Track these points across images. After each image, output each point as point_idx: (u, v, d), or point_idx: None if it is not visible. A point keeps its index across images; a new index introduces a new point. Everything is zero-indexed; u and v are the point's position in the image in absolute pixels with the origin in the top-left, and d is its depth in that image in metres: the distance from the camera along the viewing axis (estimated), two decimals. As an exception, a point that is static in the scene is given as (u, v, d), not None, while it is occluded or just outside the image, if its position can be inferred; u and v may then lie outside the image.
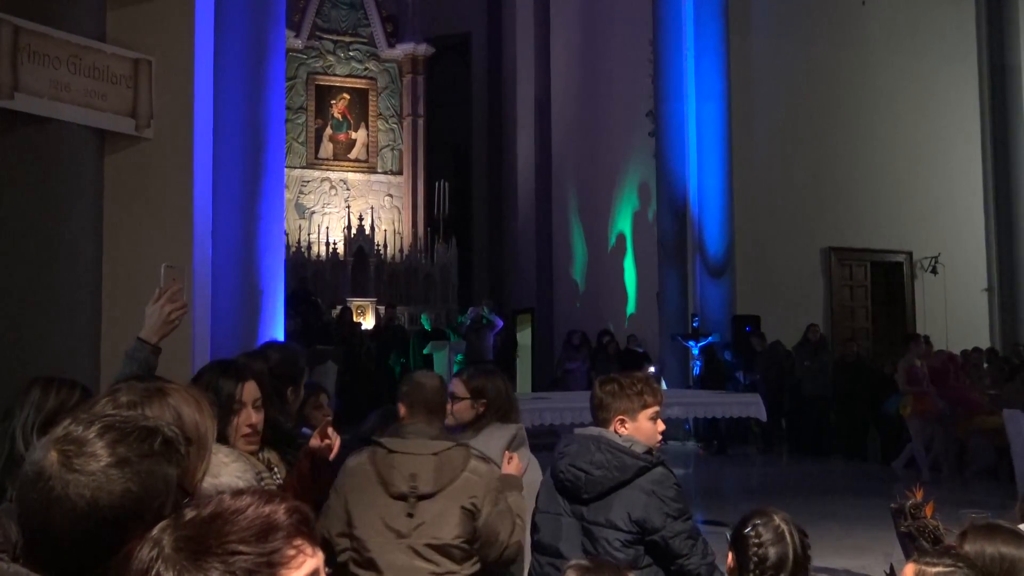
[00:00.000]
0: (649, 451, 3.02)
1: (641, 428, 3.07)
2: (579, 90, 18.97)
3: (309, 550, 1.11)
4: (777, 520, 2.28)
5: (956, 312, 16.07)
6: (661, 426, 3.13)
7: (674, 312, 14.54)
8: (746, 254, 14.72)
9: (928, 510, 5.04)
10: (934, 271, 16.38)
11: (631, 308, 16.78)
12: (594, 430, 3.11)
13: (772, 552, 2.26)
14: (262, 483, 2.31)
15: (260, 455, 2.70)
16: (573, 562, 1.96)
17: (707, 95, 14.58)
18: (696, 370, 13.73)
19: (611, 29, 17.73)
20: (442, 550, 2.87)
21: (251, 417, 2.59)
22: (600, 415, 3.11)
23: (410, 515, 2.86)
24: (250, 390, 2.60)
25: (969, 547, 2.30)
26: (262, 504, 1.11)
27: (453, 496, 2.88)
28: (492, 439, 3.33)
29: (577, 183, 18.87)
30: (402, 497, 2.87)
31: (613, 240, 17.65)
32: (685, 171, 14.65)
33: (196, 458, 1.57)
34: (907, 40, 16.46)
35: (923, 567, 2.10)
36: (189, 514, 1.11)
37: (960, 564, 2.11)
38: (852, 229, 15.99)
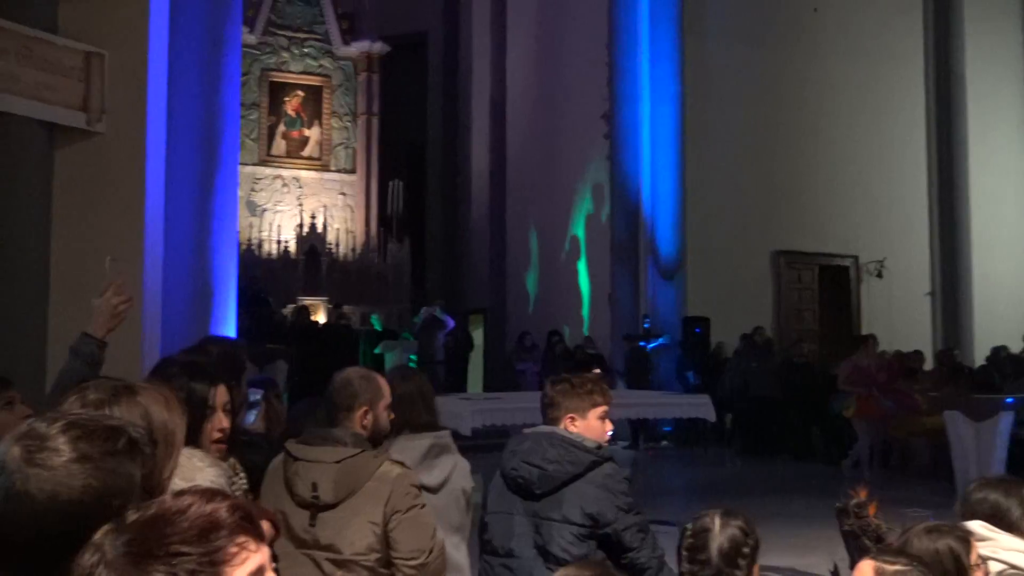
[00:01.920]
0: (599, 446, 3.07)
1: (590, 427, 3.11)
2: (535, 91, 19.03)
3: (253, 546, 1.11)
4: (712, 515, 2.31)
5: (900, 315, 16.42)
6: (609, 426, 3.17)
7: (626, 313, 14.66)
8: (698, 256, 14.90)
9: (871, 509, 5.14)
10: (879, 275, 16.72)
11: (585, 309, 16.88)
12: (545, 428, 3.14)
13: (695, 542, 2.27)
14: (233, 488, 2.29)
15: (228, 461, 2.67)
16: (560, 572, 1.96)
17: (661, 98, 14.72)
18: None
19: (567, 31, 17.82)
20: (344, 565, 2.67)
21: (222, 422, 2.55)
22: (551, 413, 3.15)
23: (312, 525, 2.68)
24: (222, 394, 2.57)
25: (917, 545, 2.37)
26: (204, 503, 1.11)
27: (356, 507, 2.66)
28: (403, 455, 3.03)
29: (532, 184, 18.93)
30: (305, 506, 2.69)
31: (567, 241, 17.74)
32: (639, 173, 14.79)
33: (163, 459, 1.56)
34: (857, 47, 16.77)
35: (882, 565, 2.14)
36: (131, 517, 1.11)
37: (915, 563, 2.17)
38: (801, 233, 16.26)
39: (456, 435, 7.95)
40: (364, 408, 2.83)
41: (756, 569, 2.26)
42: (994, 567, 2.62)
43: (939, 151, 17.58)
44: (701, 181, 15.07)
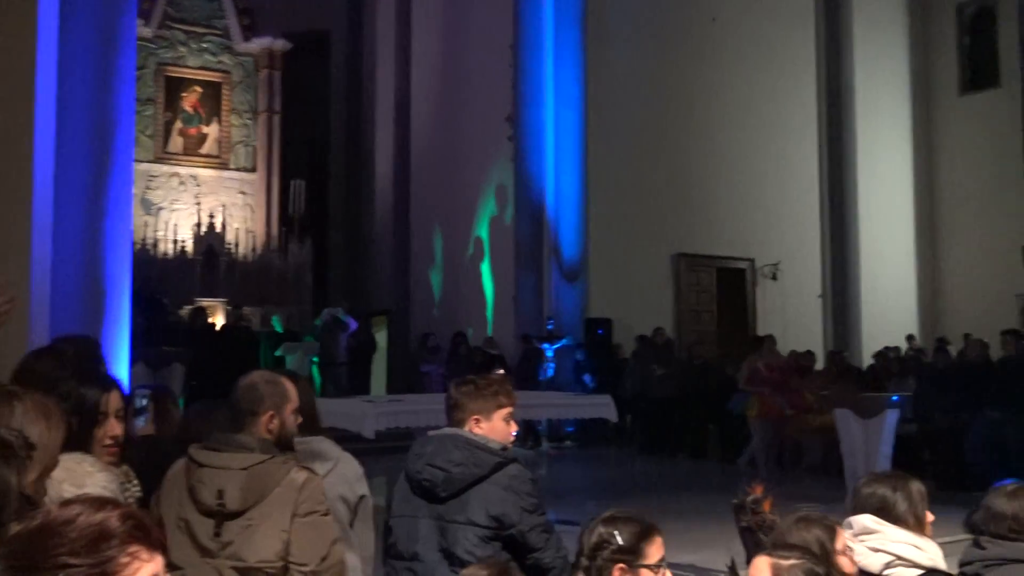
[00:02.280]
0: (504, 448, 3.08)
1: (496, 428, 3.12)
2: (440, 92, 18.99)
3: (145, 555, 1.09)
4: (600, 516, 2.38)
5: (792, 316, 16.97)
6: (514, 427, 3.19)
7: (529, 314, 14.75)
8: (600, 259, 15.10)
9: (767, 505, 5.29)
10: (774, 277, 17.26)
11: (489, 311, 16.92)
12: (450, 430, 3.14)
13: (582, 542, 2.37)
14: (126, 495, 2.23)
15: (121, 467, 2.59)
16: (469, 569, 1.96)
17: (565, 102, 14.88)
18: (550, 372, 13.97)
19: (472, 32, 17.84)
20: (248, 572, 2.60)
21: (115, 428, 2.47)
22: (456, 415, 3.14)
23: (217, 534, 2.61)
24: (115, 400, 2.48)
25: (795, 536, 2.46)
26: (93, 512, 1.08)
27: (263, 514, 2.61)
28: None
29: (436, 184, 18.87)
30: (210, 514, 2.62)
31: (471, 242, 17.75)
32: (542, 176, 14.91)
33: (39, 464, 1.51)
34: (753, 57, 17.28)
35: (778, 560, 2.21)
36: (15, 528, 1.07)
37: (807, 556, 2.26)
38: (700, 236, 16.66)
39: (359, 438, 7.88)
40: (270, 413, 2.77)
41: (617, 570, 2.29)
42: (882, 559, 2.74)
43: (830, 160, 18.24)
44: (603, 184, 15.29)
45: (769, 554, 2.25)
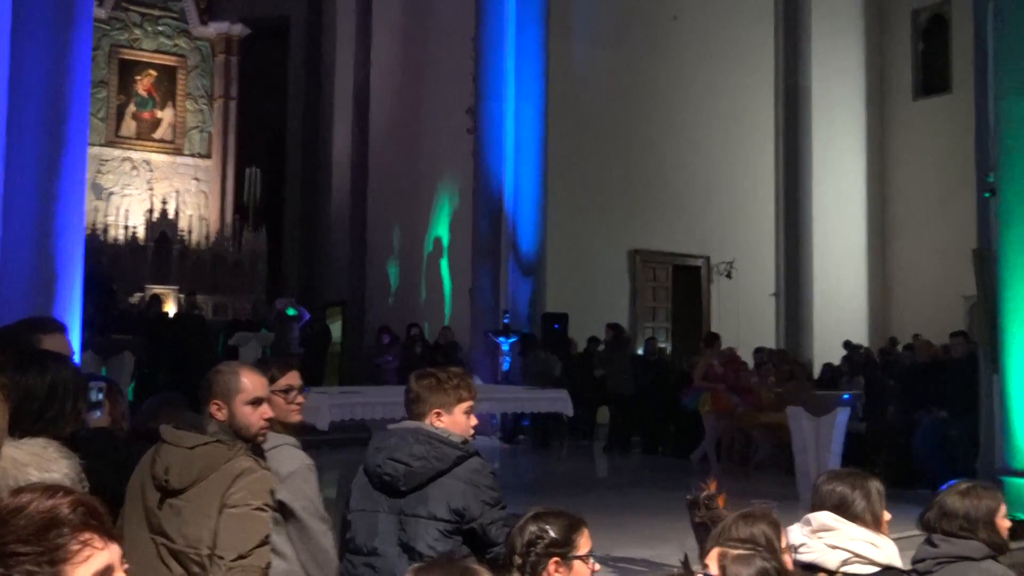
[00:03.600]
0: (465, 441, 3.06)
1: (456, 422, 3.10)
2: (400, 82, 18.87)
3: (99, 543, 1.07)
4: (528, 514, 2.42)
5: (746, 314, 17.15)
6: (474, 420, 3.18)
7: (486, 308, 14.73)
8: (557, 253, 15.13)
9: (721, 501, 5.34)
10: (729, 275, 17.44)
11: (447, 304, 16.88)
12: (411, 423, 3.11)
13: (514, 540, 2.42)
14: (83, 483, 2.18)
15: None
16: (415, 566, 1.94)
17: (526, 96, 14.86)
18: (506, 366, 13.97)
19: (435, 23, 17.75)
20: (176, 555, 2.58)
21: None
22: (416, 408, 3.12)
23: (160, 508, 2.63)
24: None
25: (736, 531, 2.49)
26: (44, 500, 1.06)
27: (195, 497, 2.59)
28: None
29: (395, 174, 18.76)
30: (158, 489, 2.64)
31: (429, 234, 17.68)
32: (502, 170, 14.88)
33: None
34: (713, 57, 17.41)
35: (726, 549, 2.25)
36: None
37: (758, 548, 2.28)
38: (657, 233, 16.77)
39: (313, 430, 7.78)
40: (216, 403, 2.75)
41: (553, 564, 2.32)
42: (839, 555, 2.77)
43: (786, 160, 18.46)
44: (562, 179, 15.31)
45: (721, 545, 2.29)
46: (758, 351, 13.11)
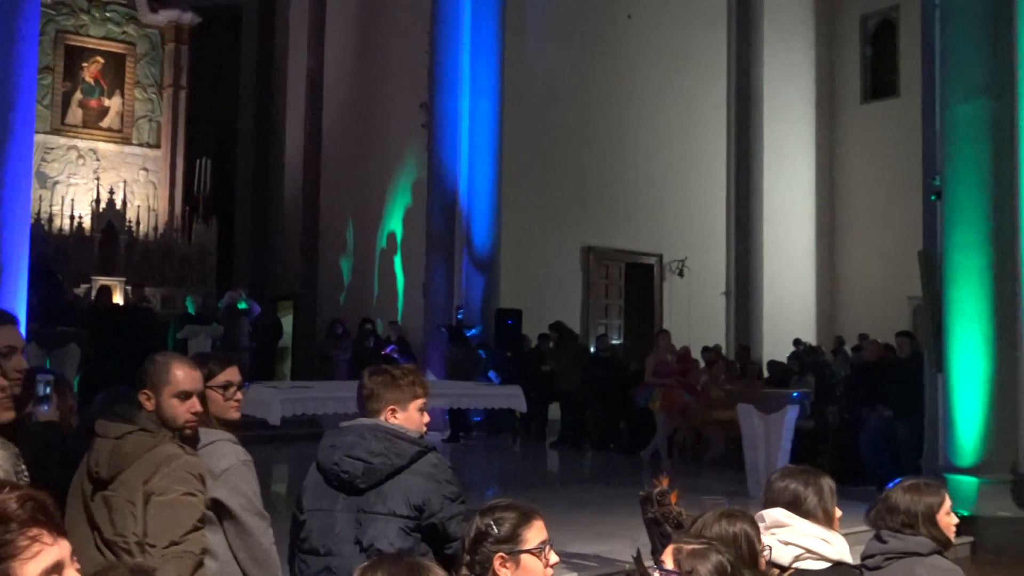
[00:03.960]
0: (421, 436, 3.04)
1: (411, 418, 3.08)
2: (354, 74, 18.72)
3: (48, 539, 1.04)
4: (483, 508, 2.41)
5: (698, 312, 17.33)
6: (427, 417, 3.16)
7: (440, 304, 14.69)
8: (511, 249, 15.14)
9: (673, 497, 5.38)
10: (681, 274, 17.60)
11: (400, 298, 16.79)
12: (367, 420, 3.07)
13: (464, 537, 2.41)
14: (20, 475, 2.13)
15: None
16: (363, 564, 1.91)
17: (481, 91, 14.82)
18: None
19: (389, 16, 17.63)
20: (108, 545, 2.57)
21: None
22: (371, 405, 3.08)
23: (92, 500, 2.63)
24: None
25: (714, 529, 2.50)
26: None
27: (122, 485, 2.60)
28: None
29: (348, 167, 18.61)
30: (91, 480, 2.65)
31: (382, 228, 17.58)
32: (456, 164, 14.83)
33: None
34: (667, 56, 17.54)
35: (680, 545, 2.25)
36: None
37: (713, 543, 2.29)
38: (610, 231, 16.86)
39: (264, 424, 7.68)
40: (146, 392, 2.74)
41: (498, 561, 2.29)
42: (792, 552, 2.80)
43: (737, 160, 18.67)
44: (516, 175, 15.31)
45: (676, 542, 2.29)
46: (706, 349, 13.22)
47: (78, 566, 1.12)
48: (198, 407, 2.78)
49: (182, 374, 2.76)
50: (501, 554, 2.29)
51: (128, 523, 2.55)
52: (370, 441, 2.97)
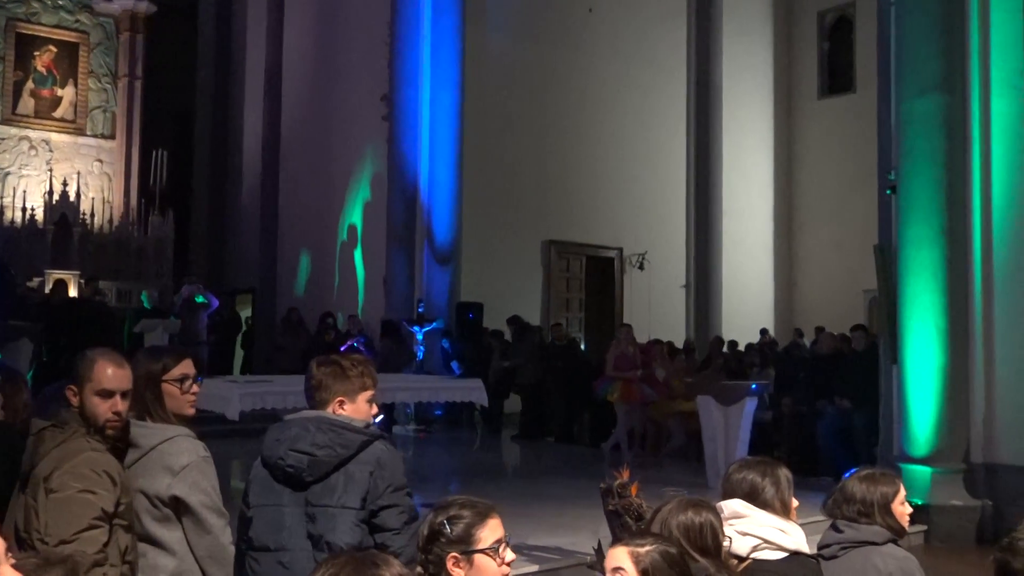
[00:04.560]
0: (368, 426, 3.00)
1: (359, 410, 3.04)
2: (313, 65, 18.53)
3: None
4: (438, 504, 2.39)
5: (658, 305, 17.45)
6: (375, 409, 3.12)
7: (400, 297, 14.62)
8: (472, 243, 15.10)
9: (633, 489, 5.42)
10: (641, 267, 17.69)
11: (360, 292, 16.69)
12: (310, 412, 3.03)
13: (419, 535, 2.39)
14: None
15: None
16: (324, 559, 1.87)
17: (442, 84, 14.75)
18: (420, 355, 13.89)
19: (349, 6, 17.47)
20: (24, 544, 2.53)
21: None
22: (319, 396, 3.04)
23: (16, 500, 2.64)
24: None
25: (678, 518, 2.51)
26: None
27: (32, 482, 2.58)
28: None
29: (308, 160, 18.43)
30: (22, 481, 2.65)
31: (342, 221, 17.45)
32: (417, 157, 14.76)
33: None
34: (628, 51, 17.60)
35: (635, 548, 2.25)
36: None
37: (660, 540, 2.31)
38: (571, 224, 16.90)
39: (223, 419, 7.60)
40: (71, 388, 2.71)
41: (451, 560, 2.28)
42: (750, 542, 2.82)
43: (697, 154, 18.80)
44: (477, 169, 15.27)
45: (625, 544, 2.28)
46: (657, 342, 13.21)
47: (14, 561, 1.10)
48: (120, 407, 2.71)
49: (105, 372, 2.69)
50: (454, 554, 2.27)
51: (31, 520, 2.51)
52: (314, 433, 2.92)
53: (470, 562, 2.27)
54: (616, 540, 2.47)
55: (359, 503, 2.88)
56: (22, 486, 2.61)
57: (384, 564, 1.75)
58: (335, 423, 2.94)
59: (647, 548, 2.25)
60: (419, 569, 2.30)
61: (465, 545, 2.28)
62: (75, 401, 2.70)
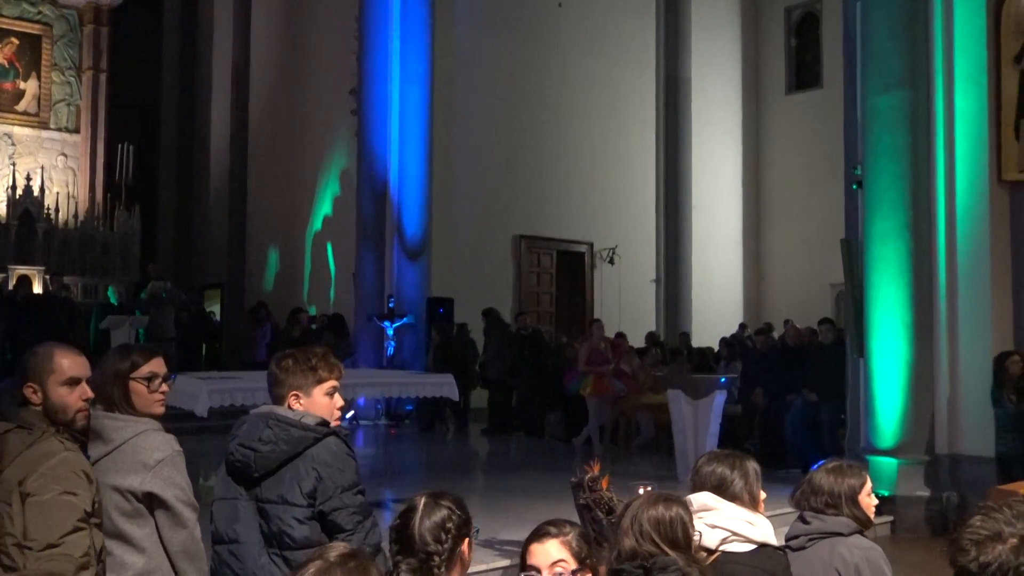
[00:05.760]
0: (324, 423, 2.98)
1: (316, 403, 3.02)
2: (281, 58, 18.39)
3: None
4: (420, 496, 2.39)
5: (628, 299, 17.52)
6: (339, 401, 3.09)
7: (371, 292, 14.56)
8: (442, 238, 15.07)
9: (604, 483, 5.45)
10: (611, 262, 17.75)
11: (331, 287, 16.60)
12: (264, 408, 3.04)
13: (400, 523, 2.36)
14: None
15: None
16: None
17: (411, 79, 14.67)
18: (390, 350, 13.86)
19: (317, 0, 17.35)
20: (4, 551, 2.46)
21: None
22: (275, 391, 3.05)
23: None
24: None
25: (649, 513, 2.52)
26: None
27: (1, 485, 2.50)
28: None
29: (277, 154, 18.30)
30: None
31: (312, 216, 17.34)
32: (387, 152, 14.68)
33: None
34: (597, 46, 17.63)
35: (563, 538, 2.29)
36: None
37: (569, 523, 2.35)
38: (541, 219, 16.91)
39: (191, 416, 7.53)
40: (31, 386, 2.63)
41: (466, 543, 2.32)
42: (719, 535, 2.85)
43: (666, 149, 18.88)
44: (447, 163, 15.24)
45: (551, 536, 2.30)
46: (619, 335, 13.26)
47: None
48: (88, 393, 2.67)
49: (67, 361, 2.65)
50: (467, 538, 2.33)
51: (5, 525, 2.44)
52: (262, 429, 2.93)
53: (470, 545, 2.35)
54: (591, 530, 2.49)
55: (304, 499, 2.88)
56: None
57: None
58: (282, 419, 2.94)
59: (571, 535, 2.30)
60: (432, 560, 2.30)
61: (470, 528, 2.36)
62: (37, 398, 2.62)
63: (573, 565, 2.25)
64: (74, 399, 2.64)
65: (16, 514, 2.45)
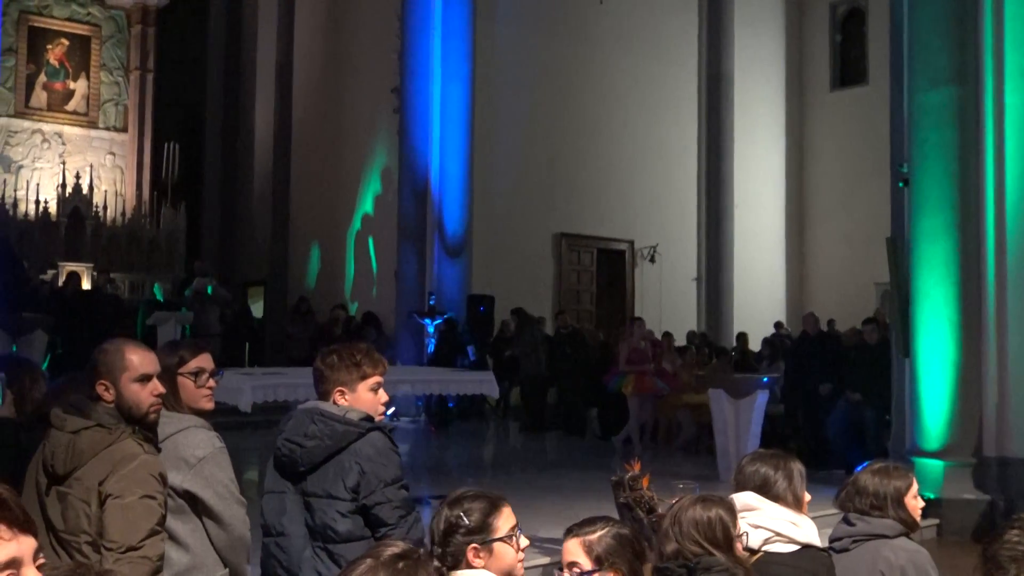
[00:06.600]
0: (369, 418, 3.01)
1: (360, 399, 3.05)
2: (324, 58, 18.55)
3: (6, 534, 1.02)
4: (444, 501, 2.39)
5: (669, 298, 17.42)
6: (384, 396, 3.11)
7: (411, 290, 14.63)
8: (483, 235, 15.11)
9: (644, 482, 5.42)
10: (652, 260, 17.66)
11: (374, 284, 16.72)
12: (310, 404, 3.08)
13: (432, 530, 2.38)
14: None
15: None
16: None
17: (452, 77, 14.73)
18: (431, 347, 13.92)
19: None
20: (62, 543, 2.51)
21: None
22: (320, 387, 3.08)
23: (47, 495, 2.56)
24: None
25: (690, 514, 2.52)
26: None
27: (78, 483, 2.53)
28: None
29: (319, 153, 18.46)
30: (47, 476, 2.58)
31: (354, 214, 17.48)
32: (428, 150, 14.74)
33: None
34: (638, 43, 17.54)
35: (586, 537, 2.26)
36: None
37: (610, 523, 2.32)
38: (582, 217, 16.88)
39: (235, 411, 7.63)
40: (103, 383, 2.65)
41: (471, 549, 2.29)
42: (761, 535, 2.83)
43: (708, 147, 18.73)
44: (488, 162, 15.27)
45: (575, 535, 2.28)
46: (666, 335, 13.19)
47: (42, 562, 1.09)
48: (160, 388, 2.69)
49: (138, 358, 2.67)
50: (474, 545, 2.28)
51: (82, 522, 2.49)
52: (308, 424, 2.97)
53: (489, 551, 2.29)
54: (634, 528, 2.48)
55: (348, 494, 2.91)
56: (51, 482, 2.56)
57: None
58: (327, 414, 2.97)
59: (599, 534, 2.26)
60: (435, 563, 2.30)
61: (484, 535, 2.29)
62: (109, 396, 2.63)
63: (588, 566, 2.23)
64: (146, 395, 2.66)
65: (94, 514, 2.49)
